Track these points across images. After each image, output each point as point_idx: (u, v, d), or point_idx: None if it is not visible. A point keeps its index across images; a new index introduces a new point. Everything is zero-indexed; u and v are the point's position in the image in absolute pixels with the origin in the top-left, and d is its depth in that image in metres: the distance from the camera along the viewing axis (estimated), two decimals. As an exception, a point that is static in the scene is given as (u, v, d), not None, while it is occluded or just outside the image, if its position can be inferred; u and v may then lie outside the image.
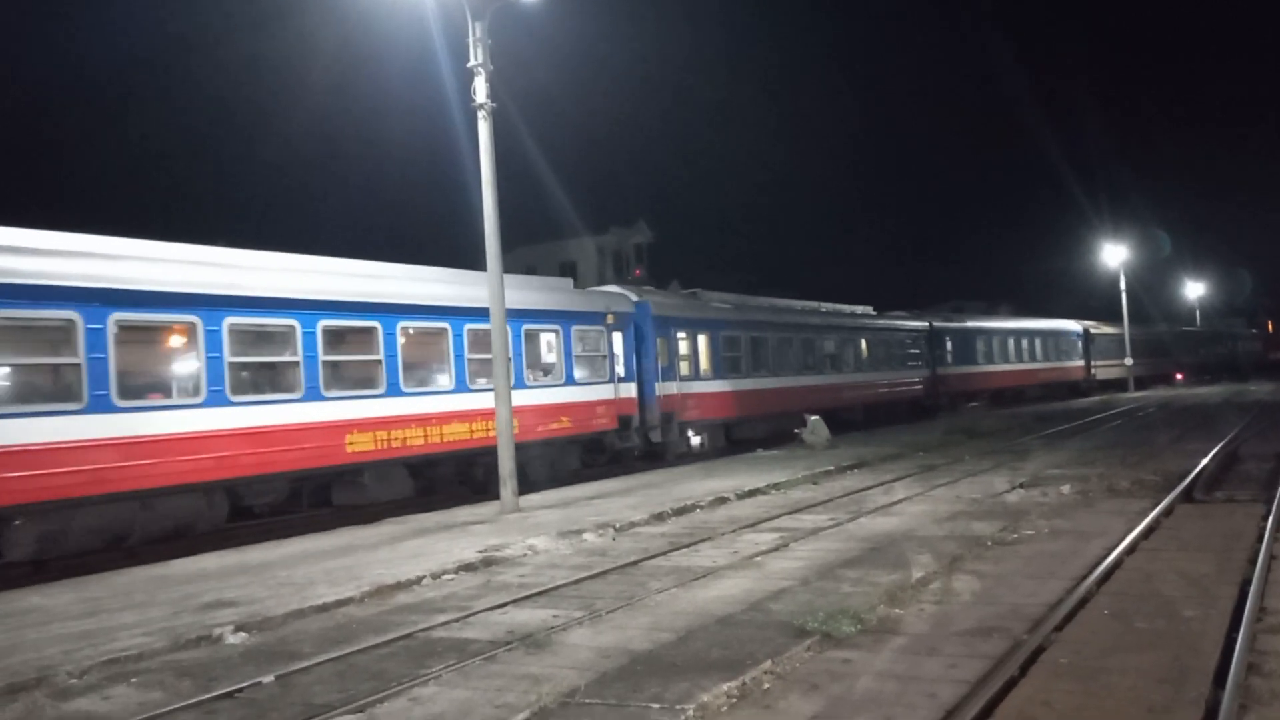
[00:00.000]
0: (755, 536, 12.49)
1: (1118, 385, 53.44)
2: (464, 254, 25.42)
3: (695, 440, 24.66)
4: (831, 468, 19.59)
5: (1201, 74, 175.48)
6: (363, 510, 16.21)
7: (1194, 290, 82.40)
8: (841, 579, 9.63)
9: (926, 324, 38.02)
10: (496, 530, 13.61)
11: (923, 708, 5.95)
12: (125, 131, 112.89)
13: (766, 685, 6.56)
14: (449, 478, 18.27)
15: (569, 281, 22.60)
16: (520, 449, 16.45)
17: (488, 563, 11.41)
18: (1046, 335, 48.50)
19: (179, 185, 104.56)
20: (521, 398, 17.79)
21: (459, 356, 17.78)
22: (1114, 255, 56.80)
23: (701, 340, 25.16)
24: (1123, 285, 55.49)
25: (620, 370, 21.69)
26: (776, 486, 17.19)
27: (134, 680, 7.48)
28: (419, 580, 10.51)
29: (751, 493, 16.59)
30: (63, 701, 7.05)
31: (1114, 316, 56.68)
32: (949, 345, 39.39)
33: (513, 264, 24.03)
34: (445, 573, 10.86)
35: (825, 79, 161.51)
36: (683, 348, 24.34)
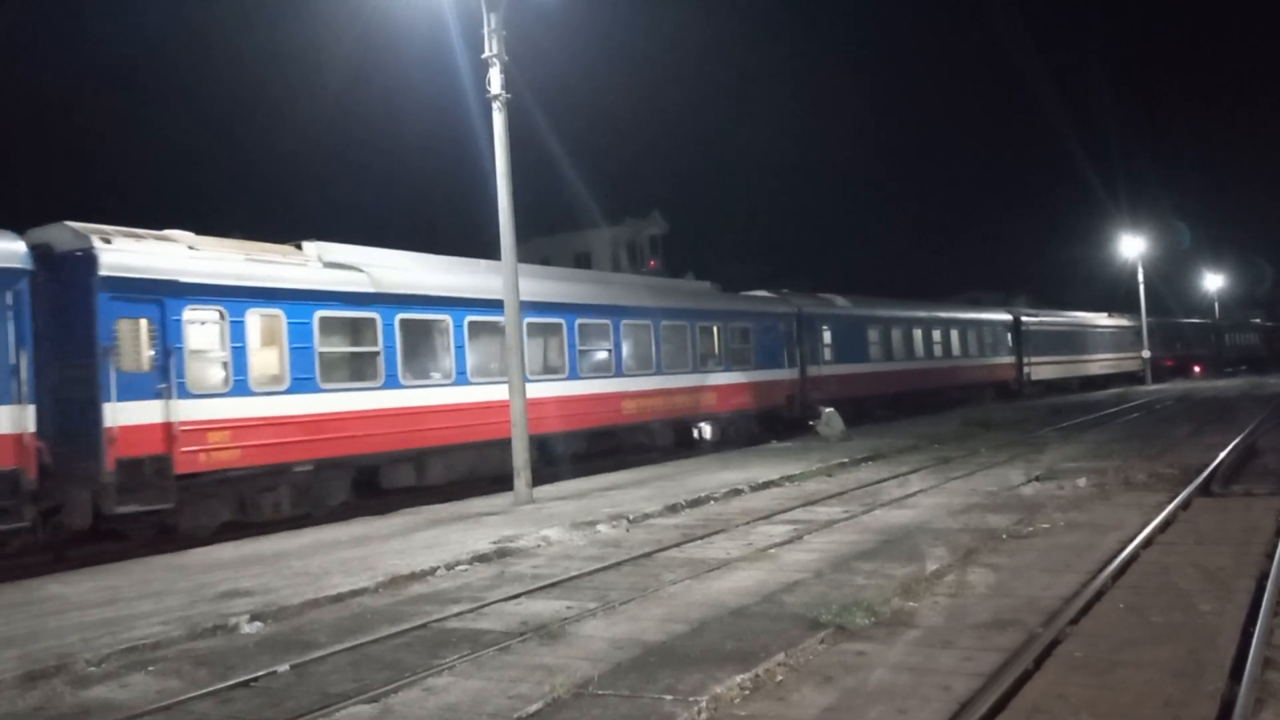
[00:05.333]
0: (769, 528, 12.49)
1: (1059, 388, 45.98)
2: (482, 244, 25.35)
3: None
4: (846, 460, 19.56)
5: (1222, 60, 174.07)
6: (376, 501, 16.19)
7: (1213, 282, 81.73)
8: (856, 571, 9.62)
9: (794, 309, 29.06)
10: (510, 521, 13.65)
11: (937, 700, 5.94)
12: (142, 123, 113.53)
13: (780, 677, 6.56)
14: None
15: None
16: None
17: (501, 554, 11.45)
18: (965, 326, 39.69)
19: (196, 176, 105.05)
20: None
21: None
22: (1132, 246, 56.22)
23: (260, 324, 14.55)
24: (1140, 277, 55.05)
25: None
26: (791, 479, 17.18)
27: (151, 668, 7.55)
28: (433, 571, 10.56)
29: (765, 485, 16.59)
30: (81, 689, 7.12)
31: (1132, 308, 56.26)
32: (826, 338, 30.35)
33: (528, 254, 23.37)
34: (459, 563, 10.91)
35: (842, 68, 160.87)
36: (199, 338, 13.76)
